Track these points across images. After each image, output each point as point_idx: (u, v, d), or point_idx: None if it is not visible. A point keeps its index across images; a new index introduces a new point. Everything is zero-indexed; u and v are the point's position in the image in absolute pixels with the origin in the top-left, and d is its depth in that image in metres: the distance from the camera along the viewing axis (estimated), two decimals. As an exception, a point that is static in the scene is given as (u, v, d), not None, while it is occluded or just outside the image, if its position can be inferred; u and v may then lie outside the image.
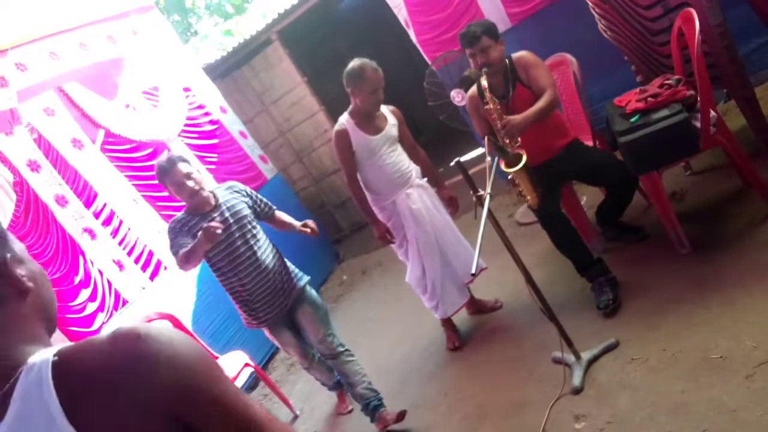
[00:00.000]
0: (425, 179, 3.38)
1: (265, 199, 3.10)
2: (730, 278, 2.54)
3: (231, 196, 2.95)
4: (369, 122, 3.20)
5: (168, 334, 0.82)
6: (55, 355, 0.79)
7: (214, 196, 2.91)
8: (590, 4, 3.43)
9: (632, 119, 2.82)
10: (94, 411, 0.76)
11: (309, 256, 5.47)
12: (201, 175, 2.90)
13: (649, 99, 2.84)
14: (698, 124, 2.72)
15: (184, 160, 2.85)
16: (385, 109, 3.29)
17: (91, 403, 0.76)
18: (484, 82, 2.83)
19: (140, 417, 0.77)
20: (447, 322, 3.45)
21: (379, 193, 3.28)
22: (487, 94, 2.80)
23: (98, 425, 0.76)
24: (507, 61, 3.00)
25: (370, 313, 4.65)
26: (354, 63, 3.10)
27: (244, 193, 3.02)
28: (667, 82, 2.92)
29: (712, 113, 2.75)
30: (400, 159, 3.26)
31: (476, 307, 3.57)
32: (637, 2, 3.29)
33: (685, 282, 2.69)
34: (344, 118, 3.21)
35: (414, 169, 3.33)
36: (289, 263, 3.08)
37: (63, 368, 0.77)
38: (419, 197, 3.28)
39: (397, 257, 3.51)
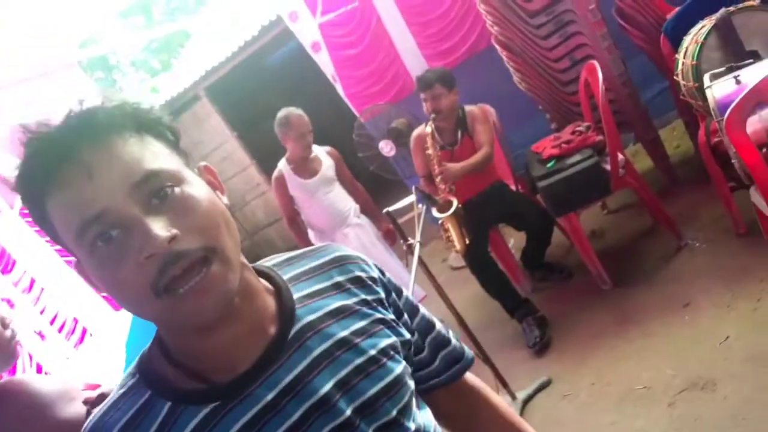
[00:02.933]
0: (362, 217, 3.50)
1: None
2: (648, 311, 2.68)
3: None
4: (304, 166, 3.33)
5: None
6: None
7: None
8: (505, 58, 3.65)
9: (548, 164, 2.99)
10: None
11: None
12: None
13: (563, 145, 3.02)
14: (608, 167, 2.90)
15: None
16: (321, 152, 3.42)
17: None
18: (428, 129, 2.94)
19: None
20: None
21: (321, 231, 3.43)
22: (429, 141, 2.91)
23: None
24: (460, 111, 3.14)
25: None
26: (280, 113, 3.26)
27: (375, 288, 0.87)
28: (578, 129, 3.12)
29: (620, 156, 2.94)
30: (337, 199, 3.39)
31: None
32: (547, 56, 3.53)
33: (608, 317, 2.82)
34: (281, 164, 3.35)
35: (352, 208, 3.45)
36: None
37: None
38: (356, 236, 3.39)
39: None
